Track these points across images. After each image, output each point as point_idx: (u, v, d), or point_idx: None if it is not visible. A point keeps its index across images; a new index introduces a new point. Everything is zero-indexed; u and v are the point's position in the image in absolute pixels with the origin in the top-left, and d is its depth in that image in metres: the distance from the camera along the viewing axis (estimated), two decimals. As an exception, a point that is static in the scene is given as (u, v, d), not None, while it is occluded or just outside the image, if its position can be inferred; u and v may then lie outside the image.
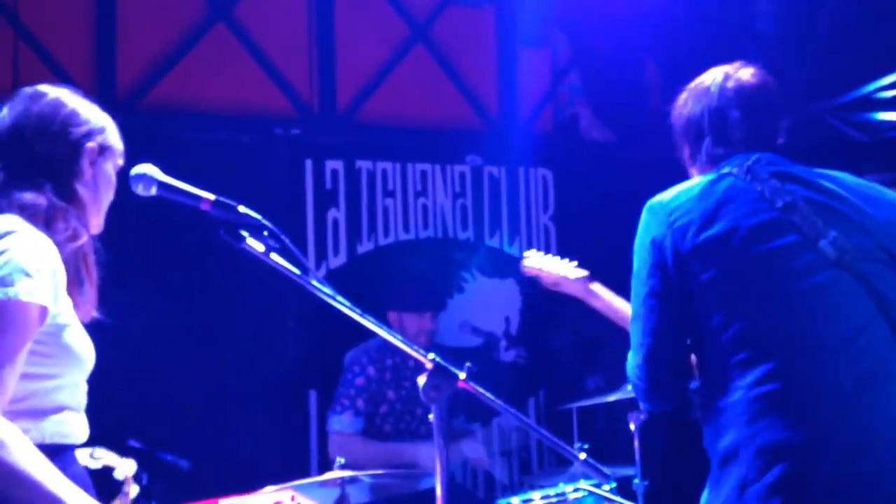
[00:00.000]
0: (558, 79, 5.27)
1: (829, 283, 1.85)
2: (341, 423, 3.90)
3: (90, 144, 1.87)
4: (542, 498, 2.93)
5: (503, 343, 4.95)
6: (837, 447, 1.76)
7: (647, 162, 4.91)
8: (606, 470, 1.95)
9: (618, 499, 2.88)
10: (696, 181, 2.01)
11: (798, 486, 1.76)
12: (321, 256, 4.55)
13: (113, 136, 1.93)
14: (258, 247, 1.75)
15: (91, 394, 1.83)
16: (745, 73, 2.12)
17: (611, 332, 4.95)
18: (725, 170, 2.00)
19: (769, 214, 1.91)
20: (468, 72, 5.01)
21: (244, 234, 1.76)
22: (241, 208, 1.77)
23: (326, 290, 1.76)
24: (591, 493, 2.88)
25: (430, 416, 1.73)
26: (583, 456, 1.89)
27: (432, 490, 1.74)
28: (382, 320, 1.76)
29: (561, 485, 2.98)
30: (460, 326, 4.73)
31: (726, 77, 2.11)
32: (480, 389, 1.78)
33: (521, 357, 4.97)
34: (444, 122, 4.94)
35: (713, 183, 1.98)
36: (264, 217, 1.78)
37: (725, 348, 1.88)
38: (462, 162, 4.93)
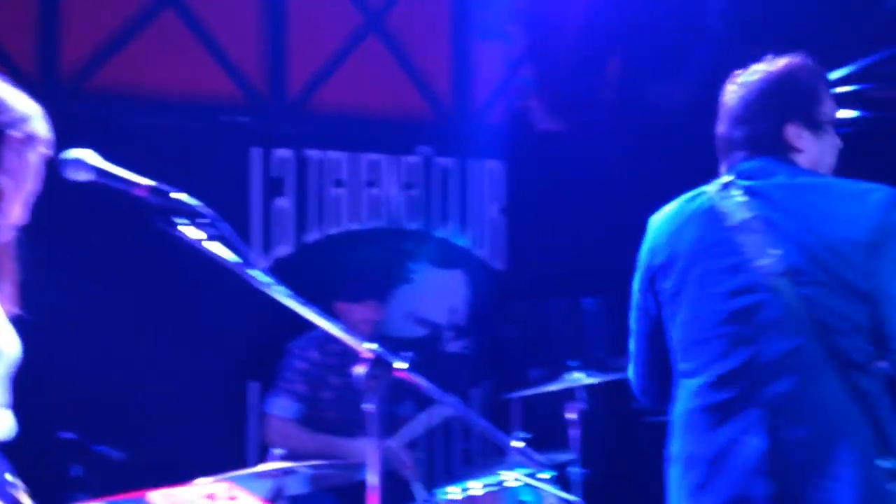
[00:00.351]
0: (512, 71, 5.28)
1: (758, 305, 1.89)
2: (278, 406, 3.84)
3: (14, 133, 1.82)
4: (482, 486, 2.95)
5: (449, 334, 4.96)
6: (749, 465, 1.86)
7: (598, 156, 4.96)
8: (542, 458, 1.99)
9: (552, 489, 2.91)
10: (678, 200, 2.07)
11: (714, 492, 1.90)
12: (267, 246, 4.52)
13: (40, 125, 1.87)
14: (194, 234, 1.70)
15: (22, 385, 1.79)
16: (748, 78, 2.04)
17: (555, 325, 5.02)
18: (715, 186, 2.01)
19: (718, 236, 1.94)
20: (422, 62, 5.00)
21: (179, 221, 1.71)
22: (180, 195, 1.70)
23: (266, 279, 1.73)
24: (527, 482, 2.91)
25: (366, 406, 1.72)
26: (519, 444, 1.92)
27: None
28: (330, 311, 1.75)
29: (499, 473, 3.00)
30: (405, 317, 4.73)
31: (729, 89, 2.06)
32: (420, 380, 1.78)
33: (466, 348, 4.99)
34: (397, 112, 4.93)
35: (687, 202, 2.04)
36: (209, 206, 1.73)
37: (673, 365, 2.03)
38: (413, 152, 4.93)
